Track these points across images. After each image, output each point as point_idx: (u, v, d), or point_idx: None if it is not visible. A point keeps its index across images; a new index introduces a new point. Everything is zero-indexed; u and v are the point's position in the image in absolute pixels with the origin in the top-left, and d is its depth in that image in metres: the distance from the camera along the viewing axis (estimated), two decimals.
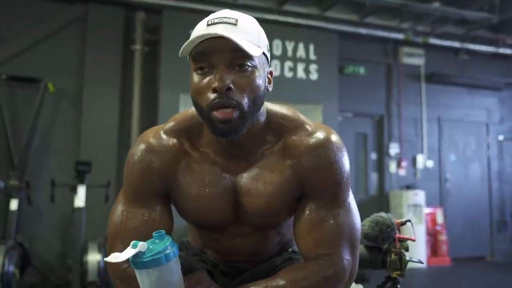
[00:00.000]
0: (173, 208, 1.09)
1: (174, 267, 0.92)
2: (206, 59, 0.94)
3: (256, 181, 1.03)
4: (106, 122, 4.82)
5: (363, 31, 5.77)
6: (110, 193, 4.13)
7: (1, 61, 4.59)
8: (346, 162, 1.04)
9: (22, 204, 4.13)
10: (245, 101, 0.94)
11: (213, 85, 0.92)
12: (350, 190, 1.07)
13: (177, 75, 4.62)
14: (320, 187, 1.02)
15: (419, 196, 5.79)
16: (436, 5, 5.43)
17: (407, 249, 1.25)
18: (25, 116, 4.51)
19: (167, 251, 0.89)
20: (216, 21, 0.94)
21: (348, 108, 5.91)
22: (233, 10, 1.01)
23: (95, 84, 4.80)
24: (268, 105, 1.07)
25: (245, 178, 1.04)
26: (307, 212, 1.03)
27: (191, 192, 1.04)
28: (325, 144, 1.03)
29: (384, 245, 1.26)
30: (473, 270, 5.74)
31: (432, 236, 5.96)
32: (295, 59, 5.40)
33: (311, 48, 5.46)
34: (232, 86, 0.92)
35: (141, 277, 0.90)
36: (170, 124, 1.08)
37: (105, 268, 3.44)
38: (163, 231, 0.92)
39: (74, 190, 3.97)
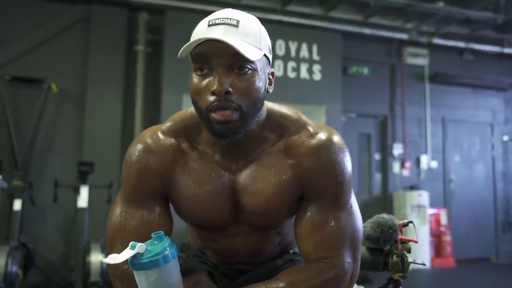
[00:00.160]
0: (172, 209, 1.09)
1: (173, 269, 0.91)
2: (206, 61, 0.93)
3: (255, 179, 1.02)
4: (109, 122, 4.83)
5: (367, 31, 5.75)
6: (113, 194, 4.13)
7: (5, 62, 4.61)
8: (348, 163, 1.03)
9: (26, 205, 4.13)
10: (245, 103, 0.94)
11: (212, 88, 0.92)
12: (352, 192, 1.06)
13: (180, 76, 4.62)
14: (322, 188, 1.01)
15: (423, 197, 5.76)
16: (441, 5, 5.40)
17: (409, 251, 1.23)
18: (28, 116, 4.52)
19: (166, 253, 0.89)
20: (217, 21, 0.93)
21: (352, 109, 5.89)
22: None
23: (98, 85, 4.80)
24: (269, 104, 1.06)
25: (244, 177, 1.03)
26: (308, 214, 1.02)
27: (189, 191, 1.03)
28: (327, 145, 1.02)
29: (386, 246, 1.24)
30: (477, 272, 5.70)
31: (436, 237, 5.93)
32: (298, 60, 5.39)
33: (315, 48, 5.45)
34: (231, 90, 0.92)
35: (140, 278, 0.89)
36: (167, 124, 1.07)
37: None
38: (162, 232, 0.91)
39: (77, 191, 3.97)
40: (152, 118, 4.86)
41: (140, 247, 0.88)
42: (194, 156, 1.04)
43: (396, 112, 6.18)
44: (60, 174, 4.40)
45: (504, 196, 6.64)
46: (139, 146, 1.03)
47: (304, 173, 1.01)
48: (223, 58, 0.92)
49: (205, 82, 0.94)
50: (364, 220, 1.25)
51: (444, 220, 6.03)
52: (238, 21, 0.94)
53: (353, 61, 5.88)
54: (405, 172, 6.11)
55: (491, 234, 6.52)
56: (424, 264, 1.25)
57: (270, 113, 1.05)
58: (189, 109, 1.10)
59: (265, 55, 0.98)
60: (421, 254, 5.41)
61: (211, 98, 0.92)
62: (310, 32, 5.47)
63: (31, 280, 4.13)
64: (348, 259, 1.00)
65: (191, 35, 0.98)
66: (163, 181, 1.03)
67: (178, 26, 4.73)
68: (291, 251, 1.20)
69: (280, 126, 1.05)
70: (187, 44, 0.93)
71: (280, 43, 5.31)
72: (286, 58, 5.33)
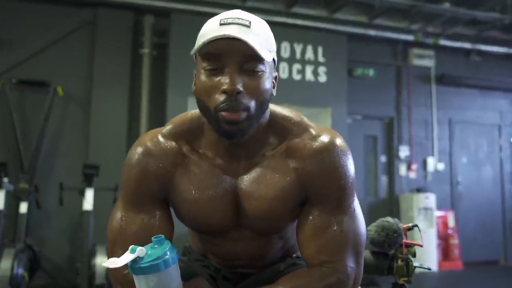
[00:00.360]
0: (173, 213, 1.08)
1: (173, 273, 0.90)
2: (218, 59, 0.92)
3: (258, 183, 1.01)
4: (115, 125, 4.84)
5: (372, 32, 5.73)
6: (118, 197, 4.13)
7: (11, 66, 4.64)
8: (351, 166, 1.02)
9: (32, 208, 4.15)
10: (253, 104, 0.93)
11: (223, 87, 0.90)
12: (355, 195, 1.05)
13: (185, 79, 4.59)
14: (324, 192, 1.00)
15: (430, 199, 5.72)
16: (447, 5, 5.37)
17: (414, 255, 1.21)
18: (34, 119, 4.55)
19: (166, 257, 0.88)
20: (229, 21, 0.92)
21: (358, 111, 5.87)
22: None
23: (104, 88, 4.82)
24: (271, 107, 1.05)
25: (246, 181, 1.02)
26: (311, 217, 1.00)
27: (190, 195, 1.02)
28: (330, 147, 1.00)
29: (390, 250, 1.22)
30: (486, 275, 5.65)
31: (444, 239, 5.88)
32: (303, 62, 5.37)
33: (320, 50, 5.43)
34: (242, 90, 0.91)
35: (139, 282, 0.88)
36: (168, 127, 1.06)
37: None
38: (163, 236, 0.90)
39: (82, 194, 3.98)
40: (158, 121, 4.86)
41: (140, 251, 0.87)
42: (195, 159, 1.03)
43: (402, 114, 6.14)
44: (66, 177, 4.42)
45: None
46: (139, 150, 1.03)
47: (307, 176, 1.00)
48: (236, 56, 0.91)
49: (215, 81, 0.92)
50: (369, 223, 1.24)
51: (451, 222, 5.98)
52: (250, 22, 0.93)
53: (359, 63, 5.86)
54: (412, 174, 6.07)
55: (500, 237, 6.46)
56: (430, 269, 1.23)
57: (272, 116, 1.04)
58: (189, 111, 1.09)
59: (273, 58, 0.98)
60: (428, 257, 5.37)
61: (221, 97, 0.91)
62: (315, 34, 5.46)
63: (37, 283, 4.14)
64: (350, 263, 0.99)
65: (196, 37, 0.97)
66: (163, 184, 1.02)
67: (183, 29, 4.74)
68: (294, 255, 1.19)
69: (283, 129, 1.03)
70: (203, 40, 0.91)
71: (285, 45, 5.30)
72: (291, 60, 5.32)
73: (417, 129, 6.18)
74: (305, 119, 1.07)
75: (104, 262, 0.89)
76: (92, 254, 3.69)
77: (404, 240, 1.22)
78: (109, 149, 4.71)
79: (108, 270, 1.01)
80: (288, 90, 5.12)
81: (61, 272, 4.49)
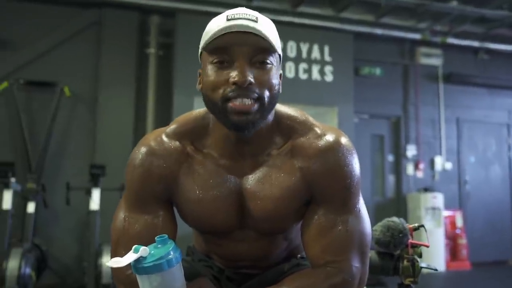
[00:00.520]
0: (177, 213, 1.07)
1: (177, 273, 0.89)
2: (227, 53, 0.91)
3: (263, 183, 1.00)
4: (121, 125, 4.85)
5: (379, 31, 5.69)
6: None
7: (19, 66, 4.67)
8: (356, 165, 1.01)
9: (39, 207, 4.17)
10: (266, 95, 0.92)
11: (234, 79, 0.89)
12: (360, 195, 1.04)
13: (191, 79, 4.59)
14: (329, 191, 0.99)
15: (438, 199, 5.68)
16: (454, 3, 5.32)
17: (420, 255, 1.20)
18: (41, 120, 4.57)
19: (170, 257, 0.87)
20: (236, 16, 0.92)
21: (364, 110, 5.84)
22: None
23: (110, 88, 4.84)
24: (276, 106, 1.04)
25: (251, 180, 1.01)
26: (315, 217, 1.00)
27: (193, 195, 1.01)
28: (335, 146, 0.99)
29: (396, 251, 1.21)
30: (494, 275, 5.59)
31: (452, 239, 5.83)
32: (310, 61, 5.36)
33: (326, 49, 5.41)
34: (253, 81, 0.90)
35: (143, 282, 0.88)
36: (172, 126, 1.05)
37: None
38: (166, 236, 0.90)
39: (89, 194, 4.00)
40: (164, 120, 4.87)
41: (143, 250, 0.86)
42: (199, 159, 1.02)
43: (410, 113, 6.10)
44: (73, 177, 4.44)
45: None
46: (143, 149, 1.02)
47: (312, 175, 0.99)
48: (246, 49, 0.90)
49: (224, 74, 0.91)
50: (376, 223, 1.23)
51: (459, 222, 5.93)
52: (257, 18, 0.93)
53: (365, 62, 5.83)
54: (419, 174, 6.03)
55: (508, 236, 6.39)
56: (436, 270, 1.21)
57: (278, 115, 1.03)
58: (194, 111, 1.09)
59: (279, 54, 0.97)
60: (436, 257, 5.33)
61: (230, 88, 0.90)
62: (321, 33, 5.43)
63: (45, 282, 4.17)
64: (356, 263, 0.98)
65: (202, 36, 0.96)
66: (167, 184, 1.01)
67: (189, 28, 4.74)
68: (299, 255, 1.18)
69: (288, 128, 1.03)
70: (212, 34, 0.91)
71: (291, 45, 5.28)
72: (297, 59, 5.30)
73: (425, 128, 6.14)
74: (310, 118, 1.06)
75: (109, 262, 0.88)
76: (99, 254, 3.70)
77: (410, 241, 1.20)
78: (115, 149, 4.72)
79: (112, 270, 1.01)
80: (295, 90, 5.11)
81: (68, 272, 4.51)
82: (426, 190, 5.79)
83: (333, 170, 0.98)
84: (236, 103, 0.89)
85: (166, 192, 1.02)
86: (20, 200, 4.13)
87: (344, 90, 5.44)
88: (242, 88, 0.89)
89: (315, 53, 5.38)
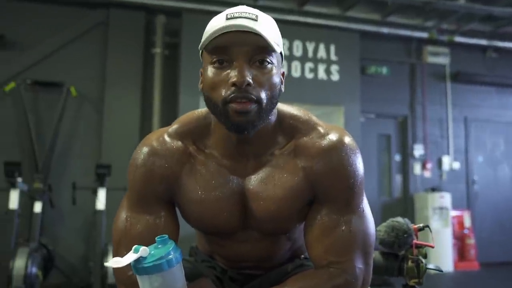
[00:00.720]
0: (179, 213, 1.06)
1: (177, 273, 0.89)
2: (226, 53, 0.90)
3: (266, 183, 0.99)
4: (127, 125, 4.87)
5: (385, 30, 5.66)
6: None
7: (26, 67, 4.70)
8: (360, 165, 1.00)
9: (46, 207, 4.19)
10: (264, 96, 0.91)
11: (233, 80, 0.88)
12: (364, 195, 1.02)
13: (197, 78, 4.49)
14: (332, 191, 0.98)
15: (445, 199, 5.63)
16: (461, 1, 5.27)
17: (425, 256, 1.18)
18: (48, 120, 4.60)
19: (170, 257, 0.87)
20: (236, 15, 0.91)
21: (371, 109, 5.81)
22: None
23: (116, 88, 4.85)
24: (279, 105, 1.03)
25: (253, 181, 1.00)
26: (318, 217, 0.98)
27: (196, 196, 1.00)
28: (338, 146, 0.98)
29: (400, 251, 1.20)
30: (503, 275, 5.54)
31: (459, 240, 5.79)
32: (316, 60, 5.34)
33: (332, 48, 5.39)
34: (252, 82, 0.89)
35: (143, 283, 0.88)
36: (174, 126, 1.04)
37: None
38: (166, 236, 0.89)
39: (95, 193, 4.01)
40: (170, 120, 4.82)
41: (143, 250, 0.86)
42: (201, 159, 1.01)
43: (417, 112, 6.06)
44: (79, 177, 4.46)
45: None
46: (145, 149, 1.01)
47: (315, 175, 0.98)
48: (245, 48, 0.89)
49: (223, 74, 0.91)
50: (385, 220, 1.21)
51: (467, 222, 5.88)
52: (257, 16, 0.92)
53: (372, 61, 5.80)
54: (427, 173, 5.99)
55: None
56: (441, 270, 1.20)
57: (280, 114, 1.02)
58: (196, 110, 1.08)
59: (280, 52, 0.96)
60: (444, 258, 5.29)
61: (230, 90, 0.89)
62: (327, 32, 5.41)
63: (51, 282, 4.19)
64: (359, 264, 0.97)
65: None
66: (169, 185, 1.00)
67: (195, 28, 4.71)
68: (302, 256, 1.17)
69: (290, 128, 1.02)
70: (210, 33, 0.90)
71: (297, 44, 5.26)
72: (303, 58, 5.29)
73: (432, 128, 6.09)
74: (313, 117, 1.04)
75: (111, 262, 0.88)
76: (105, 253, 3.71)
77: (415, 241, 1.19)
78: (121, 148, 4.73)
79: (113, 271, 1.00)
80: (301, 89, 5.09)
81: (74, 271, 4.53)
82: (433, 190, 5.74)
83: (336, 170, 0.97)
84: (236, 104, 0.89)
85: (168, 192, 1.01)
86: (26, 200, 4.16)
87: (350, 90, 5.41)
88: (241, 89, 0.88)
89: (321, 52, 5.36)
